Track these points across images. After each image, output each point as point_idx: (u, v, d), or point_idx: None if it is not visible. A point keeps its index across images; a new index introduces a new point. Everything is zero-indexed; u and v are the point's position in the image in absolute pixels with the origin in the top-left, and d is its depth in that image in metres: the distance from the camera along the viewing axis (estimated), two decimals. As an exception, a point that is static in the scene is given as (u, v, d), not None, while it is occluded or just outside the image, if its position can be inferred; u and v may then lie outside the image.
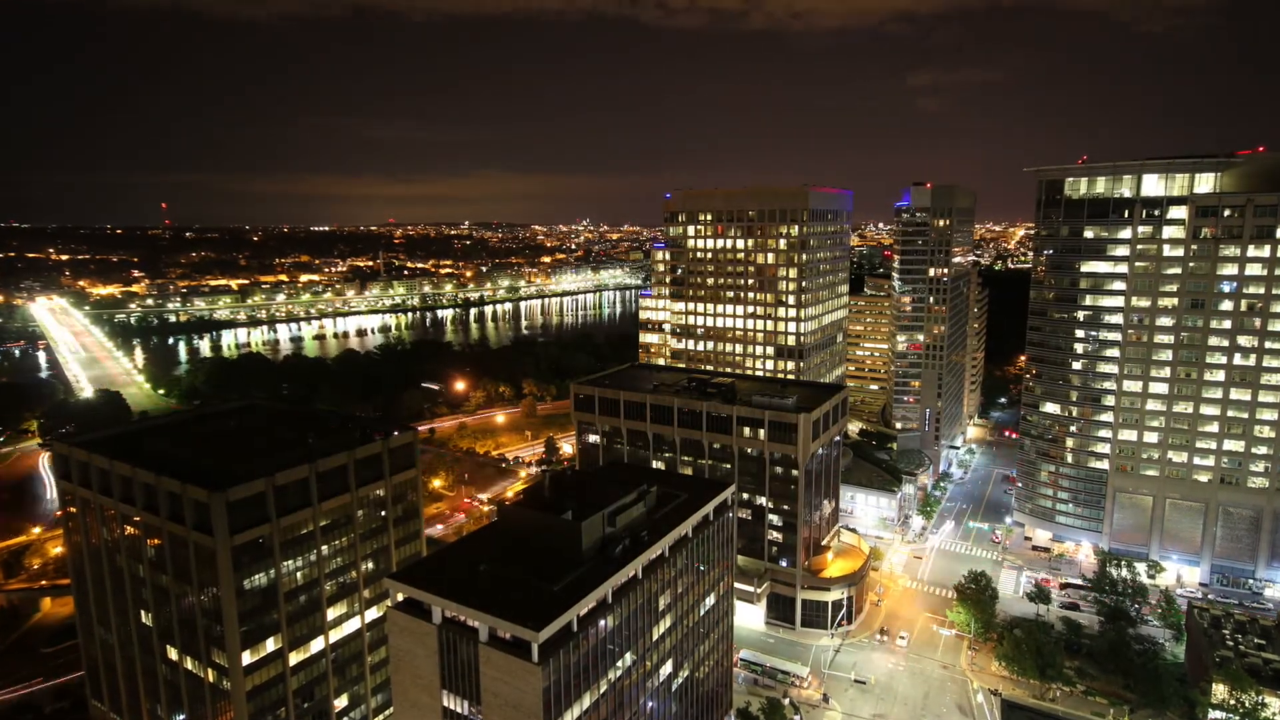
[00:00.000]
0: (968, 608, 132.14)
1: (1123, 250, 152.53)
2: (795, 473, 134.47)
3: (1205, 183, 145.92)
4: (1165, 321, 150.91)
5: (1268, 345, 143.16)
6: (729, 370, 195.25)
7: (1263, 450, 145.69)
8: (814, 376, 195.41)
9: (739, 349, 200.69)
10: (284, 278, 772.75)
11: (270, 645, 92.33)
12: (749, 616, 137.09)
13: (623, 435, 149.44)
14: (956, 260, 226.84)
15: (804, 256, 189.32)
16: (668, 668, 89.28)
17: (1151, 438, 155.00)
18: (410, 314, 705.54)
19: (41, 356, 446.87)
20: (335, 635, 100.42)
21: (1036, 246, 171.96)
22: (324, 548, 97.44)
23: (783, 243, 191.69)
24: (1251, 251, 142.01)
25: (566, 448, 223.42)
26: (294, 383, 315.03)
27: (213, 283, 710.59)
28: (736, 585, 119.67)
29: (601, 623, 75.67)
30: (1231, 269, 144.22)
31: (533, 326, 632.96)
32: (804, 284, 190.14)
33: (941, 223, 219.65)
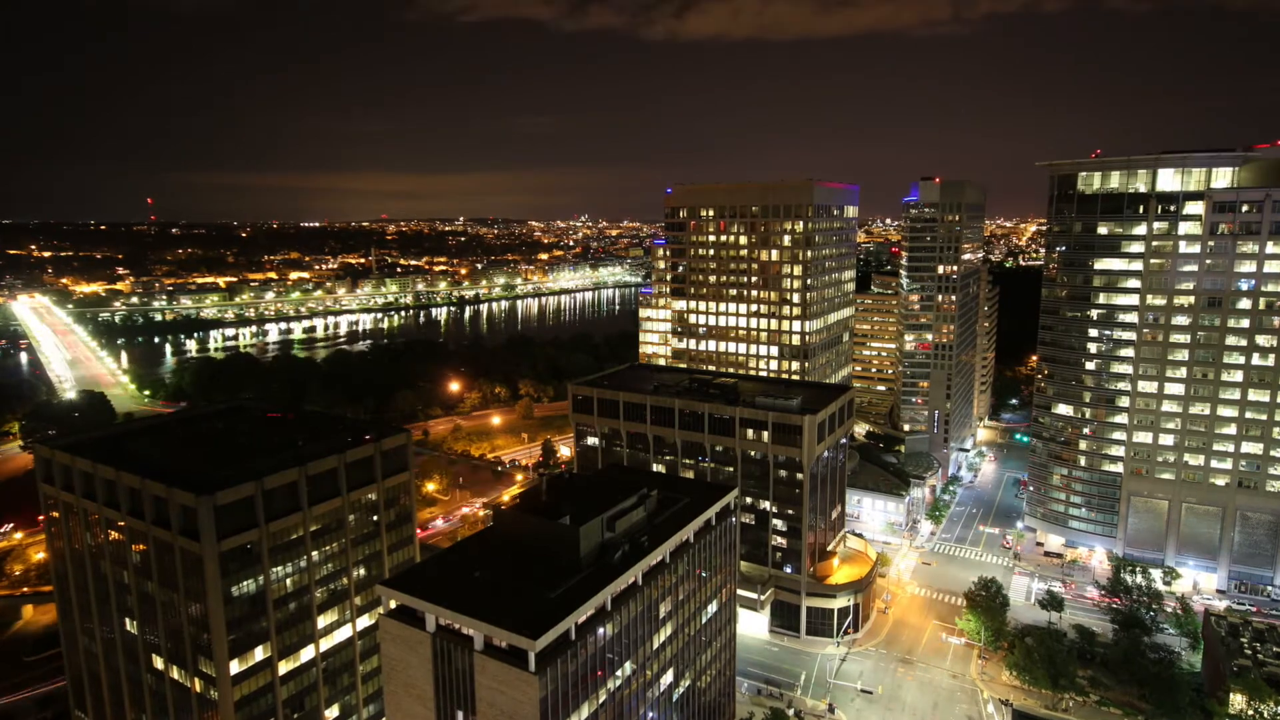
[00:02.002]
0: (978, 615, 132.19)
1: (1137, 247, 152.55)
2: (800, 476, 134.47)
3: (1222, 177, 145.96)
4: (1181, 320, 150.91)
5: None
6: (732, 371, 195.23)
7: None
8: (819, 377, 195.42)
9: (742, 349, 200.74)
10: (273, 275, 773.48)
11: (259, 654, 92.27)
12: (752, 624, 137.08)
13: (622, 437, 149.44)
14: (966, 257, 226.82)
15: (809, 253, 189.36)
16: (668, 677, 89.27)
17: (1167, 440, 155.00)
18: (403, 313, 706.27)
19: (23, 357, 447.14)
20: (326, 644, 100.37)
21: (1049, 243, 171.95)
22: (314, 553, 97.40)
23: (787, 239, 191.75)
24: (1270, 248, 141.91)
25: (564, 450, 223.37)
26: (283, 383, 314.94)
27: (199, 280, 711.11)
28: (739, 592, 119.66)
29: (600, 631, 75.68)
30: (1249, 266, 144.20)
31: (529, 326, 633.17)
32: (809, 282, 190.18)
33: (951, 219, 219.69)
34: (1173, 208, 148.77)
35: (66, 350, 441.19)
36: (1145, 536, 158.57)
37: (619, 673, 79.48)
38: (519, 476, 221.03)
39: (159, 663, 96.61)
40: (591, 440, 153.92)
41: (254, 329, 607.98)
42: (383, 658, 78.45)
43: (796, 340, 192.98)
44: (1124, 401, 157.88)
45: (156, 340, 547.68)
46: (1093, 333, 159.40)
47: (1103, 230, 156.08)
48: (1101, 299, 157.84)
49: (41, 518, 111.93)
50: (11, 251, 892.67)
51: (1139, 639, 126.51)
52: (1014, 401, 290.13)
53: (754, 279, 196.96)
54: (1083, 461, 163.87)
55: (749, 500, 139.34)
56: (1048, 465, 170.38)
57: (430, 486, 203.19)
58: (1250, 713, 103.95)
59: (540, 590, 74.94)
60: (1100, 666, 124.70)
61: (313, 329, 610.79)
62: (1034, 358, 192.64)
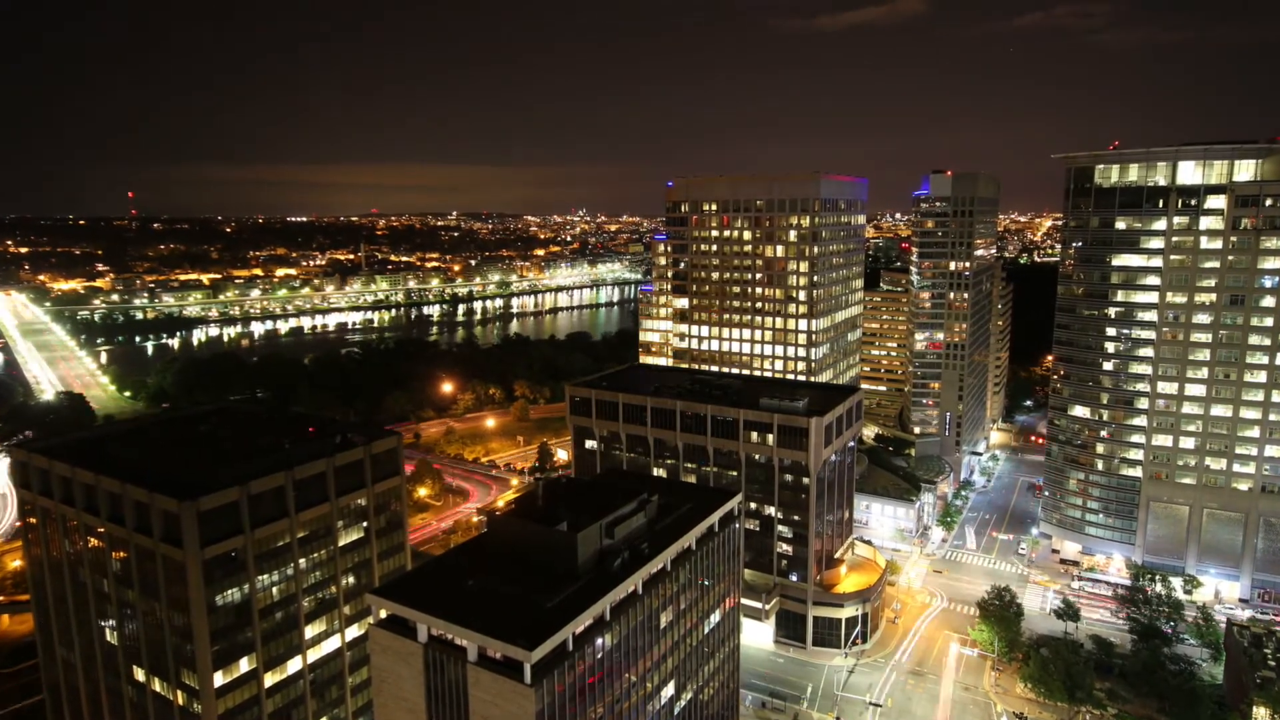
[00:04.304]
0: (991, 625, 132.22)
1: (1157, 242, 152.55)
2: (806, 481, 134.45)
3: (1245, 170, 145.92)
4: (1202, 319, 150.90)
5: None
6: (735, 371, 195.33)
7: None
8: (826, 377, 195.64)
9: (746, 348, 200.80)
10: (259, 272, 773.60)
11: (244, 665, 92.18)
12: (757, 635, 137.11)
13: (622, 440, 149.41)
14: (979, 253, 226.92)
15: (815, 249, 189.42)
16: (670, 689, 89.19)
17: (1188, 443, 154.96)
18: (394, 310, 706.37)
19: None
20: (314, 655, 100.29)
21: (1065, 238, 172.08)
22: (302, 561, 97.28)
23: (793, 234, 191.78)
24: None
25: (561, 454, 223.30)
26: (269, 384, 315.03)
27: (182, 277, 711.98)
28: (744, 601, 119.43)
29: (599, 641, 75.62)
30: (1273, 262, 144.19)
31: (525, 324, 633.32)
32: (815, 278, 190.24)
33: (963, 213, 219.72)
34: (1194, 202, 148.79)
35: (44, 349, 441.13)
36: (1165, 543, 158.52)
37: (618, 685, 79.40)
38: (514, 481, 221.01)
39: (140, 674, 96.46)
40: (590, 443, 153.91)
41: (239, 328, 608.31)
42: (373, 669, 78.40)
43: (802, 339, 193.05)
44: (1143, 403, 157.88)
45: (138, 339, 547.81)
46: (1110, 331, 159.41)
47: (1121, 225, 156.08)
48: (1119, 296, 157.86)
49: (18, 523, 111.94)
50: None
51: (1158, 650, 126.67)
52: (1029, 403, 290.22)
53: (758, 275, 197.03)
54: (1100, 465, 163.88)
55: (753, 506, 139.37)
56: (1064, 469, 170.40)
57: (422, 491, 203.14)
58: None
59: (536, 599, 74.85)
60: (1118, 678, 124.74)
61: (300, 328, 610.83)
62: (1049, 357, 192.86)
